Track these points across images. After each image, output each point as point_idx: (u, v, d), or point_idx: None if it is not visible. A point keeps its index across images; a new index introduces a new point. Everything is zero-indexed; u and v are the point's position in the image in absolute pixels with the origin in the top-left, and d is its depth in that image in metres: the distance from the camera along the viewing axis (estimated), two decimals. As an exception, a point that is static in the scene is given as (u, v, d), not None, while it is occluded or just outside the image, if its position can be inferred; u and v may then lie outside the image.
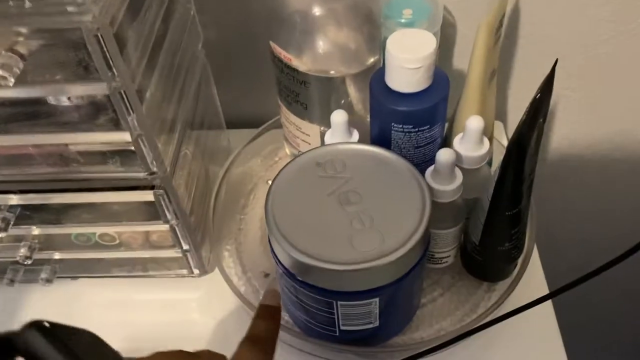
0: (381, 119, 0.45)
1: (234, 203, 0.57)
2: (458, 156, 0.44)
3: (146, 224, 0.47)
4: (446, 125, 0.48)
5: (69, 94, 0.38)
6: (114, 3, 0.35)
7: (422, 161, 0.46)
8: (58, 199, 0.45)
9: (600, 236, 0.78)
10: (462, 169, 0.44)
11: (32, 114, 0.40)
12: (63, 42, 0.36)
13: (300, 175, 0.41)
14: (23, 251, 0.48)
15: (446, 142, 0.48)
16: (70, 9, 0.32)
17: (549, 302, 0.49)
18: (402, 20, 0.48)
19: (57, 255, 0.50)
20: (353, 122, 0.46)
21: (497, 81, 0.50)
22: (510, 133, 0.66)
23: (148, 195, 0.43)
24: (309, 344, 0.45)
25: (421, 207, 0.38)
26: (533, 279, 0.50)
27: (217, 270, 0.51)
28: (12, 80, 0.35)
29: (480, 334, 0.36)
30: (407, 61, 0.40)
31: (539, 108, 0.36)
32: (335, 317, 0.40)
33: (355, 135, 0.47)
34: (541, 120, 0.37)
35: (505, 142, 0.62)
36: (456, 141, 0.45)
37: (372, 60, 0.47)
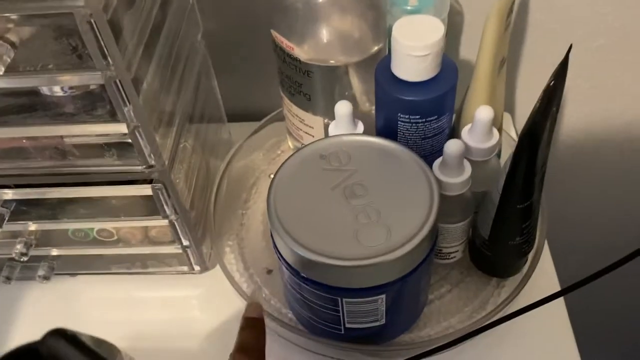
0: (387, 109, 0.44)
1: (236, 197, 0.56)
2: (467, 148, 0.43)
3: (145, 219, 0.46)
4: (454, 116, 0.47)
5: (62, 84, 0.37)
6: (108, -12, 0.34)
7: (430, 153, 0.45)
8: (54, 194, 0.44)
9: (615, 232, 0.76)
10: (470, 161, 0.43)
11: (25, 105, 0.39)
12: (55, 29, 0.35)
13: (303, 168, 0.40)
14: (19, 247, 0.47)
15: (454, 134, 0.48)
16: (61, -7, 0.31)
17: (561, 300, 0.48)
18: (408, 8, 0.48)
19: (54, 252, 0.50)
20: (357, 114, 0.45)
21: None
22: (519, 125, 0.66)
23: (146, 190, 0.43)
24: (313, 343, 0.45)
25: (429, 200, 0.38)
26: (544, 275, 0.49)
27: (218, 266, 0.50)
28: (2, 68, 0.34)
29: (489, 332, 0.35)
30: (414, 48, 0.39)
31: (553, 96, 0.35)
32: (340, 314, 0.40)
33: (360, 127, 0.46)
34: (554, 109, 0.36)
35: (513, 135, 0.61)
36: (464, 132, 0.44)
37: (376, 48, 0.46)
